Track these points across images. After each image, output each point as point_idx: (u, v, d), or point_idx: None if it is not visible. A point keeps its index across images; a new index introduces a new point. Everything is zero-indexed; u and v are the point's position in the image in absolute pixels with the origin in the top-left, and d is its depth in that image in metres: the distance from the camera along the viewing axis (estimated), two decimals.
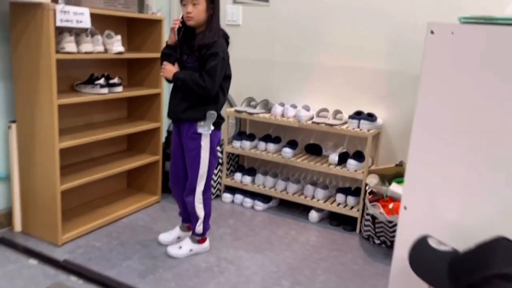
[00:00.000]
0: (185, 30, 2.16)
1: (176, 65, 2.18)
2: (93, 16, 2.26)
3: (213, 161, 2.25)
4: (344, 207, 2.75)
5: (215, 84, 2.09)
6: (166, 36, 3.20)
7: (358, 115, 2.71)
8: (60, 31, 2.21)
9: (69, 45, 2.21)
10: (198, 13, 2.07)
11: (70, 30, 2.23)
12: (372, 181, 2.55)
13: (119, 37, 2.47)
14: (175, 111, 2.20)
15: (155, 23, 2.77)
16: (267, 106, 3.05)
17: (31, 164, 2.33)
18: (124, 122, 2.86)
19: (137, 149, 3.00)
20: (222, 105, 2.22)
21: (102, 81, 2.45)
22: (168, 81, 2.18)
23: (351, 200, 2.75)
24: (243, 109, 3.02)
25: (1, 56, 2.30)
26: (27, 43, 2.19)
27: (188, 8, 2.07)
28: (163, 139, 3.01)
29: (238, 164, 3.26)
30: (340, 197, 2.78)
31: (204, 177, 2.23)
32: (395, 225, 2.33)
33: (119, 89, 2.57)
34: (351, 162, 2.67)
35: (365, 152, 2.70)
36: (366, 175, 2.61)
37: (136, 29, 2.85)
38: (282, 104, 2.96)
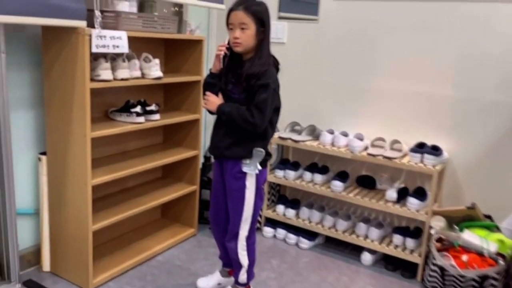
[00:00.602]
0: (231, 56, 1.93)
1: (220, 95, 1.95)
2: (130, 39, 2.05)
3: (259, 203, 1.99)
4: (403, 250, 2.45)
5: (265, 119, 1.84)
6: (207, 57, 3.03)
7: (420, 147, 2.40)
8: (96, 57, 2.01)
9: (105, 72, 2.01)
10: (246, 38, 1.83)
11: (105, 55, 2.03)
12: (438, 224, 2.24)
13: (157, 61, 2.25)
14: (218, 147, 1.96)
15: (195, 44, 2.56)
16: (314, 133, 2.79)
17: (61, 200, 2.14)
18: (160, 149, 2.65)
19: (173, 177, 2.79)
20: (269, 141, 1.97)
21: (138, 109, 2.24)
22: (211, 113, 1.96)
23: (410, 242, 2.44)
24: (288, 135, 2.76)
25: (33, 82, 2.12)
26: (60, 70, 2.00)
27: (236, 33, 1.83)
28: (200, 166, 2.78)
29: (280, 194, 3.00)
30: (397, 238, 2.48)
31: (249, 221, 1.98)
32: (470, 280, 2.02)
33: (156, 116, 2.35)
34: (412, 201, 2.37)
35: (429, 190, 2.40)
36: (430, 217, 2.31)
37: (175, 49, 2.64)
38: (331, 132, 2.69)
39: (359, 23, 2.63)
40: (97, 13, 1.88)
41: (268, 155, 1.95)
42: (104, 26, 1.96)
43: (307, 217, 2.75)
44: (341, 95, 2.76)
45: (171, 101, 2.73)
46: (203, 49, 2.54)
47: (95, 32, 1.88)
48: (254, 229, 2.03)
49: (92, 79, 1.99)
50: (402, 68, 2.54)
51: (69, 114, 2.00)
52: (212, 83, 1.95)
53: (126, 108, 2.27)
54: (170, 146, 2.72)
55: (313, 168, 2.77)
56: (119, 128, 2.15)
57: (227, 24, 1.89)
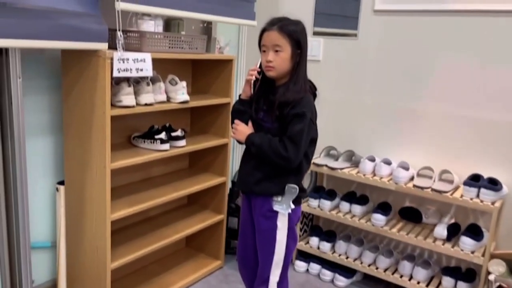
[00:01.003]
0: (263, 81, 1.73)
1: (250, 124, 1.75)
2: (155, 60, 1.89)
3: (291, 245, 1.77)
4: None
5: (300, 153, 1.63)
6: (237, 78, 2.84)
7: (475, 180, 2.14)
8: (117, 81, 1.85)
9: (127, 98, 1.84)
10: (281, 61, 1.64)
11: (128, 79, 1.87)
12: (498, 269, 1.97)
13: (184, 83, 2.08)
14: (247, 181, 1.76)
15: (225, 63, 2.37)
16: (352, 159, 2.55)
17: (79, 234, 1.98)
18: (186, 175, 2.47)
19: (199, 204, 2.60)
20: (304, 175, 1.76)
21: (163, 135, 2.07)
22: (240, 142, 1.76)
23: (463, 286, 2.17)
24: (323, 161, 2.54)
25: (52, 106, 1.98)
26: (80, 95, 1.84)
27: (269, 56, 1.64)
28: (227, 192, 2.59)
29: (313, 224, 2.77)
30: (448, 281, 2.20)
31: (280, 265, 1.76)
32: None
33: (182, 143, 2.17)
34: (466, 241, 2.10)
35: (484, 227, 2.13)
36: (488, 260, 2.04)
37: (203, 69, 2.47)
38: (372, 159, 2.45)
39: (404, 39, 2.39)
40: (119, 34, 1.72)
41: (302, 191, 1.73)
42: (127, 48, 1.80)
43: (344, 251, 2.50)
44: (382, 118, 2.52)
45: (198, 123, 2.55)
46: (233, 69, 2.36)
47: (117, 54, 1.72)
48: (286, 274, 1.81)
49: (113, 105, 1.84)
50: (452, 89, 2.28)
51: (88, 142, 1.85)
52: (242, 111, 1.76)
53: (150, 134, 2.10)
54: (196, 171, 2.53)
55: (351, 197, 2.53)
56: (142, 157, 1.98)
57: (260, 45, 1.70)
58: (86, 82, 1.80)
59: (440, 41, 2.29)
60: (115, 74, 1.73)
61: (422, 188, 2.18)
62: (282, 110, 1.63)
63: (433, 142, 2.37)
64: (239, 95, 1.81)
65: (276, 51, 1.63)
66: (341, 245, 2.51)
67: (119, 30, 1.73)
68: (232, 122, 1.79)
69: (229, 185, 2.62)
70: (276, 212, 1.71)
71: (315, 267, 2.56)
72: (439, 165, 2.32)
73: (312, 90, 1.73)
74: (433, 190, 2.16)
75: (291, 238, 1.76)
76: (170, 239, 2.20)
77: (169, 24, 2.06)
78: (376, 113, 2.53)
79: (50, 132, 2.00)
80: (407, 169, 2.31)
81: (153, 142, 2.07)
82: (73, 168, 1.95)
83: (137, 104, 1.91)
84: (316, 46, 2.69)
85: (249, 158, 1.75)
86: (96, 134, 1.81)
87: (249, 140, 1.70)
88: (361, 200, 2.51)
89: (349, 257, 2.48)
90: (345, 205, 2.49)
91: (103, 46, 1.71)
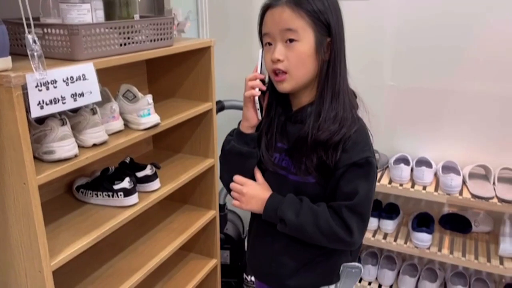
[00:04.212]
0: (273, 95, 1.04)
1: (260, 176, 1.05)
2: (100, 70, 1.10)
3: None
4: None
5: (366, 227, 1.00)
6: (217, 67, 2.01)
7: None
8: (40, 119, 1.04)
9: (63, 146, 1.04)
10: (298, 59, 0.94)
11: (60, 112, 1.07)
12: None
13: (149, 98, 1.30)
14: (274, 273, 1.09)
15: (198, 53, 1.60)
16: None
17: None
18: (161, 216, 1.74)
19: (184, 249, 1.89)
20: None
21: (126, 182, 1.30)
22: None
23: None
24: None
25: None
26: None
27: (276, 52, 0.94)
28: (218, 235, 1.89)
29: None
30: None
31: None
32: None
33: (155, 185, 1.43)
34: None
35: None
36: None
37: (163, 64, 1.67)
38: (405, 160, 1.87)
39: (435, 3, 1.76)
40: (31, 38, 0.89)
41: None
42: (50, 55, 0.99)
43: (374, 277, 1.97)
44: (410, 104, 1.91)
45: (164, 142, 1.79)
46: (212, 59, 1.59)
47: (33, 77, 0.91)
48: None
49: (38, 158, 1.05)
50: (509, 62, 1.71)
51: (4, 234, 1.05)
52: (245, 154, 1.04)
53: (104, 183, 1.33)
54: (171, 206, 1.80)
55: (377, 209, 1.96)
56: (100, 229, 1.21)
57: (260, 34, 0.99)
58: None
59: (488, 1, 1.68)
60: (36, 113, 0.93)
61: (485, 199, 1.65)
62: (322, 155, 0.96)
63: (481, 131, 1.81)
64: (238, 126, 1.08)
65: (290, 40, 0.93)
66: (369, 270, 1.97)
67: (29, 27, 0.91)
68: (228, 175, 1.07)
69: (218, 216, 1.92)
70: None
71: None
72: (495, 161, 1.79)
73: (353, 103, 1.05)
74: (501, 200, 1.64)
75: None
76: None
77: (112, 3, 1.23)
78: (400, 97, 1.92)
79: None
80: (457, 172, 1.77)
81: (113, 196, 1.31)
82: None
83: (81, 146, 1.13)
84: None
85: (271, 236, 1.06)
86: (15, 219, 1.01)
87: (274, 214, 1.00)
88: (390, 211, 1.95)
89: (382, 285, 1.95)
90: (372, 221, 1.92)
91: (2, 64, 0.89)
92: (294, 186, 1.01)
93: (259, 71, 1.01)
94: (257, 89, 1.00)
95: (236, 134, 1.06)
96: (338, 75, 0.99)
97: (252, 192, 1.02)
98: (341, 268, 1.06)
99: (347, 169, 0.95)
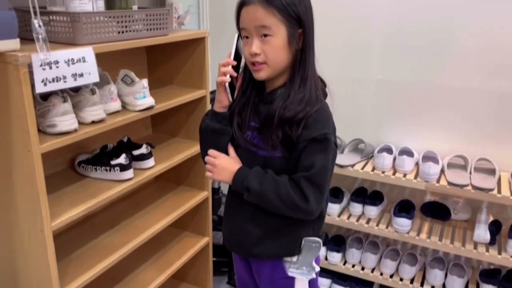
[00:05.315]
0: (247, 80, 1.16)
1: (233, 151, 1.18)
2: (99, 55, 1.22)
3: None
4: None
5: (323, 198, 1.11)
6: (211, 60, 2.15)
7: None
8: (45, 96, 1.18)
9: (64, 120, 1.18)
10: (273, 52, 1.06)
11: (61, 90, 1.20)
12: None
13: (144, 82, 1.43)
14: (240, 242, 1.21)
15: (194, 43, 1.72)
16: (359, 149, 2.07)
17: None
18: (154, 194, 1.87)
19: (176, 227, 2.01)
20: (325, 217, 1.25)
21: (123, 158, 1.44)
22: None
23: None
24: None
25: None
26: None
27: (254, 46, 1.06)
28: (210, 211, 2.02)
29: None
30: None
31: None
32: None
33: (150, 163, 1.56)
34: None
35: None
36: None
37: (162, 53, 1.80)
38: (388, 149, 1.97)
39: None
40: (37, 22, 1.03)
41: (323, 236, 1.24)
42: (53, 42, 1.12)
43: (358, 261, 2.08)
44: (395, 96, 2.01)
45: (162, 126, 1.92)
46: (206, 49, 1.71)
47: (38, 57, 1.04)
48: None
49: (42, 131, 1.18)
50: (488, 58, 1.80)
51: (10, 196, 1.19)
52: (218, 131, 1.16)
53: (103, 158, 1.46)
54: (166, 188, 1.93)
55: (362, 196, 2.07)
56: (97, 198, 1.34)
57: (238, 28, 1.11)
58: None
59: None
60: (40, 89, 1.06)
61: (460, 186, 1.75)
62: (286, 131, 1.07)
63: (461, 123, 1.91)
64: (212, 105, 1.21)
65: (264, 35, 1.04)
66: (353, 253, 2.07)
67: (35, 14, 1.04)
68: (204, 151, 1.20)
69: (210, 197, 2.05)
70: (293, 278, 1.20)
71: (325, 283, 2.12)
72: (473, 152, 1.89)
73: (322, 89, 1.16)
74: (475, 187, 1.74)
75: None
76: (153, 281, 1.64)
77: None
78: (386, 90, 2.02)
79: None
80: (436, 161, 1.87)
81: (110, 170, 1.44)
82: None
83: (80, 123, 1.26)
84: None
85: (240, 207, 1.18)
86: (21, 183, 1.15)
87: (240, 183, 1.12)
88: (375, 198, 2.06)
89: (364, 267, 2.06)
90: (356, 207, 2.03)
91: (11, 45, 1.02)
92: (262, 160, 1.12)
93: (232, 57, 1.13)
94: (228, 76, 1.12)
95: (210, 114, 1.18)
96: (308, 61, 1.10)
97: (224, 165, 1.14)
98: (303, 241, 1.17)
99: (307, 144, 1.06)
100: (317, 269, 1.20)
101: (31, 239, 1.20)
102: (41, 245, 1.19)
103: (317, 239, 1.17)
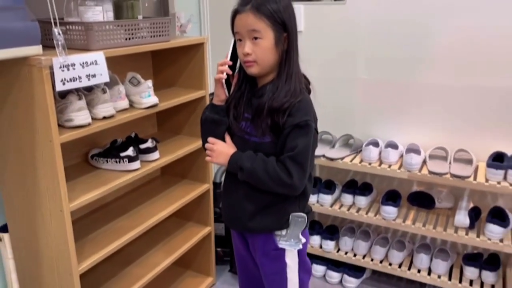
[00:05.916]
0: (242, 77, 1.34)
1: (229, 139, 1.35)
2: (109, 59, 1.41)
3: (305, 279, 1.44)
4: (482, 286, 1.97)
5: (305, 175, 1.27)
6: (209, 63, 2.36)
7: (499, 160, 1.88)
8: (62, 93, 1.37)
9: (80, 115, 1.37)
10: (262, 52, 1.23)
11: (77, 89, 1.39)
12: None
13: (149, 83, 1.62)
14: (236, 217, 1.38)
15: (193, 48, 1.91)
16: (350, 144, 2.23)
17: None
18: (159, 187, 2.05)
19: (180, 217, 2.19)
20: (309, 196, 1.41)
21: (131, 151, 1.62)
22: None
23: (488, 276, 1.96)
24: (319, 151, 2.18)
25: None
26: (12, 120, 1.36)
27: (246, 47, 1.23)
28: (212, 201, 2.19)
29: (313, 219, 2.46)
30: (471, 271, 1.99)
31: None
32: None
33: (155, 155, 1.74)
34: (494, 229, 1.86)
35: (510, 210, 1.90)
36: None
37: (165, 58, 2.00)
38: (375, 143, 2.13)
39: (401, 4, 2.03)
40: (57, 30, 1.22)
41: (309, 212, 1.39)
42: (69, 47, 1.31)
43: (350, 248, 2.23)
44: (381, 94, 2.18)
45: (166, 124, 2.11)
46: (205, 53, 1.90)
47: (58, 60, 1.23)
48: None
49: (61, 125, 1.37)
50: (463, 57, 1.96)
51: (33, 180, 1.38)
52: (216, 121, 1.34)
53: (113, 151, 1.65)
54: (171, 180, 2.11)
55: (353, 187, 2.23)
56: (108, 185, 1.53)
57: (233, 32, 1.29)
58: (18, 103, 1.31)
59: (447, 3, 1.94)
60: (59, 88, 1.25)
61: (439, 174, 1.90)
62: (274, 119, 1.24)
63: (441, 118, 2.07)
64: (211, 99, 1.39)
65: (255, 38, 1.22)
66: (346, 241, 2.23)
67: (55, 24, 1.24)
68: (204, 139, 1.37)
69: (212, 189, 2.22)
70: (283, 250, 1.36)
71: (319, 269, 2.28)
72: (452, 144, 2.04)
73: (306, 85, 1.34)
74: (453, 175, 1.89)
75: (304, 271, 1.42)
76: (159, 263, 1.81)
77: (120, 7, 1.56)
78: (373, 89, 2.19)
79: None
80: (418, 152, 2.02)
81: (119, 162, 1.63)
82: (17, 213, 1.48)
83: (93, 118, 1.45)
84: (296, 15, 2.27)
85: (235, 186, 1.35)
86: (43, 169, 1.34)
87: (235, 164, 1.29)
88: (365, 189, 2.21)
89: (356, 254, 2.21)
90: (347, 198, 2.19)
91: (35, 50, 1.22)
92: (254, 146, 1.30)
93: (228, 58, 1.31)
94: (224, 74, 1.30)
95: (209, 107, 1.37)
96: (293, 60, 1.28)
97: (221, 149, 1.32)
98: (290, 217, 1.33)
99: (291, 130, 1.23)
100: (303, 240, 1.36)
101: (52, 218, 1.39)
102: (61, 223, 1.37)
103: (302, 214, 1.34)
